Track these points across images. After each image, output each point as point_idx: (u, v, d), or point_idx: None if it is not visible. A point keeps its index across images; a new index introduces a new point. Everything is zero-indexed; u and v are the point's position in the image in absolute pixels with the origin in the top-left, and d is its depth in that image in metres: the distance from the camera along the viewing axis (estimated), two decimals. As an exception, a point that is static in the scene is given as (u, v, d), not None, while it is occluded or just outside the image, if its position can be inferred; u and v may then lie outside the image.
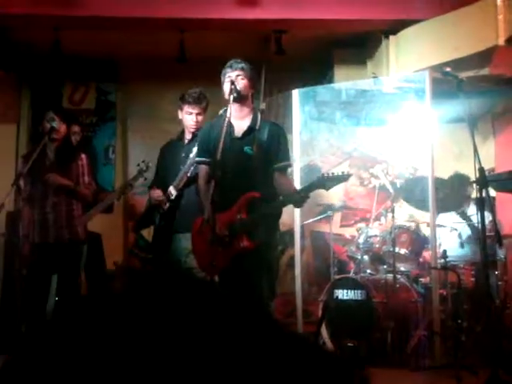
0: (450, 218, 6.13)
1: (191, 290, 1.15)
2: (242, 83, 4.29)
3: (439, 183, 5.76)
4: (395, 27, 6.32)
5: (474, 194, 5.59)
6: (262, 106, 7.32)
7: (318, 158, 7.10)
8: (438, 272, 5.42)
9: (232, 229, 4.16)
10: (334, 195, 6.57)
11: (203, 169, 4.44)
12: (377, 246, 5.99)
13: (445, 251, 5.46)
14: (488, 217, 4.52)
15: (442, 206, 5.89)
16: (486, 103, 6.67)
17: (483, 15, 5.59)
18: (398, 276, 5.64)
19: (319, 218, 6.54)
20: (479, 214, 4.18)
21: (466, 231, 5.96)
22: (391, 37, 6.37)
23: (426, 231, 5.90)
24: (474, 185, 4.54)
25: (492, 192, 5.53)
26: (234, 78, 4.27)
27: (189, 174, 4.87)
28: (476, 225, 5.57)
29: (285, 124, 5.67)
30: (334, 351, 5.19)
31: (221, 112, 4.45)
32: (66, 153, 5.31)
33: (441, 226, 5.97)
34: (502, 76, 5.96)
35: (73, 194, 5.24)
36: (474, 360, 4.86)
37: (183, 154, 5.02)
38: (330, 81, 7.05)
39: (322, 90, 6.75)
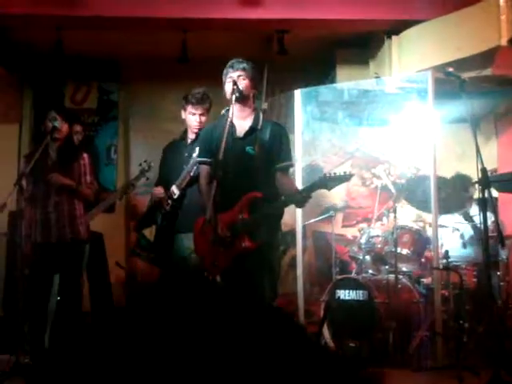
0: (452, 219, 6.12)
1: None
2: (243, 83, 4.28)
3: (441, 183, 5.76)
4: (398, 27, 6.31)
5: (477, 195, 5.58)
6: (264, 105, 7.33)
7: (320, 158, 7.09)
8: (439, 272, 5.42)
9: (234, 229, 4.16)
10: (336, 195, 6.58)
11: (205, 169, 4.43)
12: (379, 246, 5.98)
13: (447, 252, 5.46)
14: (490, 217, 4.52)
15: (444, 207, 5.89)
16: (489, 104, 6.66)
17: (486, 16, 5.58)
18: (400, 276, 5.64)
19: (321, 218, 6.54)
20: (481, 214, 4.18)
21: (469, 232, 5.95)
22: (394, 37, 6.36)
23: (430, 232, 5.89)
24: (477, 185, 4.54)
25: (494, 192, 5.53)
26: (235, 78, 4.27)
27: (192, 174, 4.86)
28: (478, 225, 5.57)
29: (287, 124, 5.65)
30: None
31: (223, 112, 4.44)
32: (68, 152, 5.30)
33: (443, 226, 5.97)
34: (505, 76, 5.95)
35: (75, 194, 5.24)
36: (475, 361, 4.85)
37: (186, 154, 5.02)
38: (333, 81, 7.04)
39: (324, 90, 6.75)
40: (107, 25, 6.33)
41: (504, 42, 5.43)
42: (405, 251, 5.85)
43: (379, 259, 6.04)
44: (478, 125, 6.36)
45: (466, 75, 4.80)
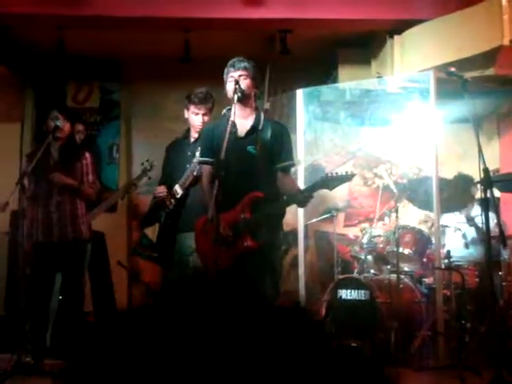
0: (455, 219, 6.12)
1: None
2: (244, 83, 4.27)
3: (443, 184, 5.75)
4: (400, 27, 6.30)
5: (479, 195, 5.58)
6: (267, 105, 7.32)
7: (322, 158, 7.09)
8: (441, 272, 5.42)
9: (236, 228, 4.16)
10: (338, 195, 6.57)
11: (207, 168, 4.43)
12: (380, 246, 5.98)
13: (449, 251, 5.46)
14: (493, 218, 4.51)
15: (446, 207, 5.89)
16: (491, 103, 6.65)
17: (488, 15, 5.58)
18: (402, 276, 5.64)
19: (323, 217, 6.54)
20: (483, 214, 4.18)
21: (471, 232, 5.95)
22: (396, 37, 6.35)
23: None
24: (479, 185, 4.54)
25: (496, 192, 5.52)
26: (236, 77, 4.26)
27: (195, 173, 4.85)
28: (480, 225, 5.57)
29: (289, 124, 5.66)
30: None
31: (224, 111, 4.44)
32: (70, 151, 5.31)
33: (445, 226, 5.97)
34: (507, 76, 5.95)
35: (77, 193, 5.24)
36: (477, 361, 4.85)
37: (189, 153, 5.01)
38: (335, 80, 7.04)
39: (326, 90, 6.75)
40: (109, 24, 6.33)
41: (506, 41, 5.42)
42: (407, 251, 5.85)
43: (381, 259, 6.04)
44: (481, 125, 6.35)
45: (468, 75, 4.79)
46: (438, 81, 5.50)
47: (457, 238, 6.02)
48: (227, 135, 4.05)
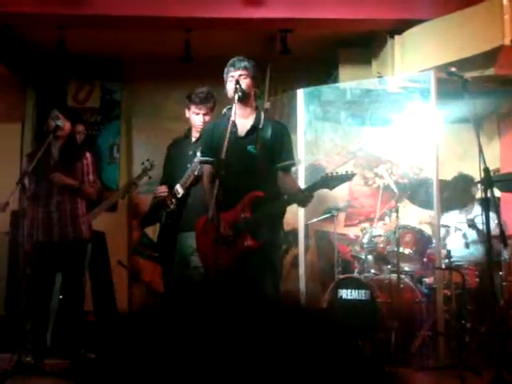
0: (455, 219, 6.12)
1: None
2: (244, 82, 4.27)
3: (443, 185, 5.76)
4: (400, 27, 6.30)
5: (479, 195, 5.58)
6: (267, 105, 7.33)
7: (322, 158, 7.09)
8: (442, 272, 5.42)
9: (236, 228, 4.16)
10: (339, 195, 6.57)
11: (207, 168, 4.43)
12: (381, 245, 5.98)
13: (449, 251, 5.46)
14: (494, 219, 4.51)
15: (447, 207, 5.89)
16: (492, 104, 6.65)
17: (489, 15, 5.57)
18: (402, 276, 5.64)
19: (323, 217, 6.53)
20: (484, 214, 4.18)
21: (472, 232, 5.95)
22: (396, 36, 6.35)
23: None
24: (479, 185, 4.54)
25: (497, 192, 5.52)
26: (237, 77, 4.26)
27: (196, 173, 4.84)
28: (480, 227, 5.57)
29: (289, 123, 5.65)
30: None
31: (224, 111, 4.44)
32: (70, 151, 5.31)
33: (445, 226, 5.97)
34: (508, 76, 5.95)
35: (77, 193, 5.24)
36: (478, 361, 4.85)
37: (190, 152, 5.00)
38: (335, 80, 7.04)
39: (326, 90, 6.75)
40: (110, 24, 6.33)
41: (507, 41, 5.42)
42: (407, 251, 5.86)
43: (381, 259, 6.04)
44: (481, 125, 6.35)
45: (468, 75, 4.79)
46: (438, 81, 5.50)
47: (457, 238, 6.02)
48: (228, 135, 4.05)
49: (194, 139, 5.08)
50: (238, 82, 4.21)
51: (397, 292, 5.47)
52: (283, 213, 4.37)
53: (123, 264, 7.01)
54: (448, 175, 6.21)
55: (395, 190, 6.27)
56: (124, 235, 7.57)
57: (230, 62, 4.35)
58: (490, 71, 5.75)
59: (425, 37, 6.13)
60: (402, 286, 5.54)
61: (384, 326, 5.38)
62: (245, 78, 4.28)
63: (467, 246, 5.96)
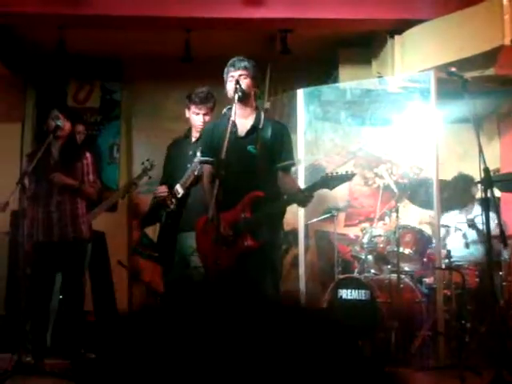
0: (455, 219, 6.12)
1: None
2: (244, 82, 4.27)
3: (443, 185, 5.76)
4: (400, 27, 6.30)
5: (479, 195, 5.58)
6: (267, 105, 7.33)
7: (322, 158, 7.09)
8: (442, 272, 5.42)
9: (236, 228, 4.16)
10: (339, 195, 6.57)
11: (207, 168, 4.43)
12: (381, 245, 5.98)
13: (449, 251, 5.46)
14: (493, 217, 4.51)
15: (447, 206, 5.89)
16: (492, 104, 6.65)
17: (489, 15, 5.57)
18: (402, 276, 5.64)
19: (323, 217, 6.53)
20: (484, 214, 4.18)
21: (472, 232, 5.95)
22: (396, 36, 6.35)
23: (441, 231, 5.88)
24: (479, 185, 4.53)
25: (497, 192, 5.52)
26: (237, 77, 4.26)
27: (196, 173, 4.83)
28: (481, 227, 5.57)
29: (289, 123, 5.65)
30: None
31: (224, 111, 4.44)
32: (70, 151, 5.31)
33: (445, 226, 5.97)
34: (508, 76, 5.95)
35: (77, 193, 5.24)
36: (477, 361, 4.85)
37: (190, 152, 5.00)
38: (335, 80, 7.04)
39: (326, 90, 6.75)
40: (110, 24, 6.33)
41: (507, 41, 5.42)
42: (407, 251, 5.86)
43: (381, 259, 6.04)
44: (481, 125, 6.35)
45: (468, 75, 4.79)
46: (438, 81, 5.50)
47: (457, 238, 6.02)
48: (228, 135, 4.05)
49: (194, 139, 5.08)
50: (238, 82, 4.21)
51: (397, 292, 5.47)
52: (283, 213, 4.37)
53: (123, 264, 7.01)
54: (448, 175, 6.21)
55: (395, 190, 6.27)
56: (124, 235, 7.57)
57: (230, 61, 4.35)
58: (490, 71, 5.75)
59: (425, 37, 6.13)
60: (402, 286, 5.54)
61: (384, 326, 5.38)
62: (245, 78, 4.28)
63: (467, 245, 5.96)
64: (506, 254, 5.62)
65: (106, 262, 6.51)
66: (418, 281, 5.84)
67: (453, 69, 4.55)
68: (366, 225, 6.54)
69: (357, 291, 5.59)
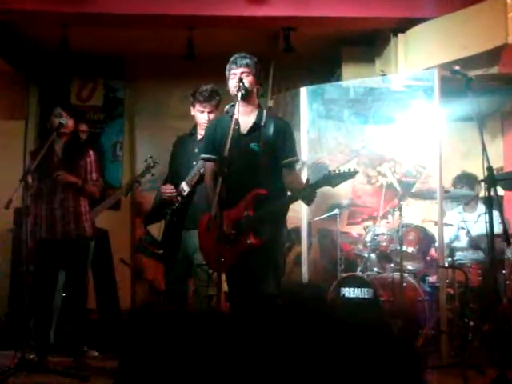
0: (458, 217, 6.12)
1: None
2: (247, 80, 4.25)
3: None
4: (404, 25, 6.30)
5: (482, 193, 5.57)
6: (270, 103, 7.33)
7: (325, 156, 7.08)
8: (445, 271, 5.41)
9: (239, 226, 4.15)
10: (342, 193, 6.57)
11: (210, 166, 4.43)
12: (384, 244, 5.98)
13: (452, 250, 5.45)
14: (496, 216, 4.51)
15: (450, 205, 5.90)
16: (495, 102, 6.65)
17: (493, 13, 5.57)
18: (405, 274, 5.63)
19: (326, 215, 6.53)
20: (487, 212, 4.17)
21: (475, 230, 5.94)
22: (400, 35, 6.35)
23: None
24: (482, 184, 4.53)
25: (500, 191, 5.52)
26: (239, 74, 4.25)
27: (202, 171, 4.81)
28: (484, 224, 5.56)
29: (293, 121, 5.64)
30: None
31: (226, 108, 4.43)
32: (73, 149, 5.31)
33: (449, 224, 5.96)
34: (511, 75, 5.94)
35: (80, 191, 5.24)
36: (481, 359, 4.85)
37: (196, 150, 4.98)
38: (338, 78, 7.04)
39: (330, 88, 6.75)
40: (113, 22, 6.34)
41: (511, 40, 5.42)
42: (410, 249, 5.85)
43: (384, 257, 6.04)
44: (485, 123, 6.34)
45: (472, 73, 4.78)
46: (442, 79, 5.49)
47: (460, 236, 6.01)
48: (231, 132, 4.04)
49: (199, 137, 5.06)
50: (241, 80, 4.20)
51: (400, 290, 5.47)
52: (286, 211, 4.35)
53: (126, 262, 7.01)
54: (451, 173, 6.21)
55: (398, 189, 6.27)
56: (127, 233, 7.58)
57: (232, 59, 4.33)
58: (494, 69, 5.75)
59: (428, 35, 6.12)
60: (405, 284, 5.54)
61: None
62: (247, 76, 4.27)
63: (470, 244, 5.95)
64: (509, 253, 5.61)
65: (108, 260, 6.52)
66: (421, 279, 5.84)
67: (456, 67, 4.54)
68: (369, 223, 6.54)
69: (360, 289, 5.59)
